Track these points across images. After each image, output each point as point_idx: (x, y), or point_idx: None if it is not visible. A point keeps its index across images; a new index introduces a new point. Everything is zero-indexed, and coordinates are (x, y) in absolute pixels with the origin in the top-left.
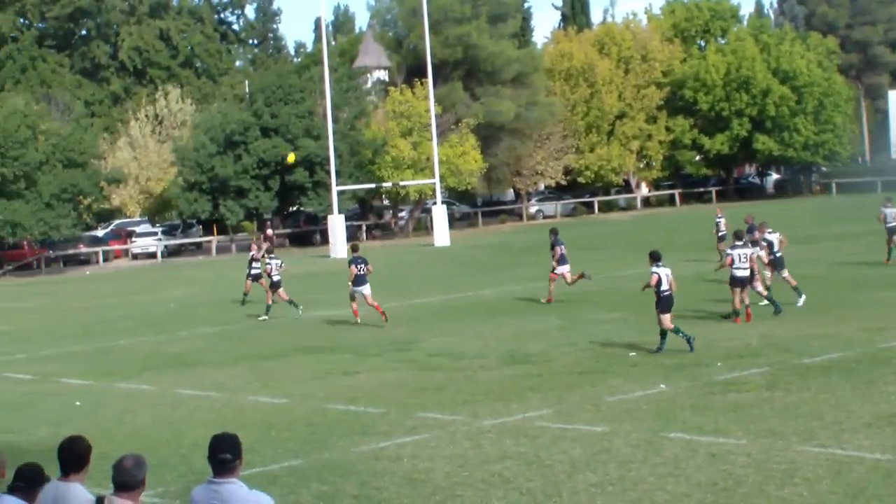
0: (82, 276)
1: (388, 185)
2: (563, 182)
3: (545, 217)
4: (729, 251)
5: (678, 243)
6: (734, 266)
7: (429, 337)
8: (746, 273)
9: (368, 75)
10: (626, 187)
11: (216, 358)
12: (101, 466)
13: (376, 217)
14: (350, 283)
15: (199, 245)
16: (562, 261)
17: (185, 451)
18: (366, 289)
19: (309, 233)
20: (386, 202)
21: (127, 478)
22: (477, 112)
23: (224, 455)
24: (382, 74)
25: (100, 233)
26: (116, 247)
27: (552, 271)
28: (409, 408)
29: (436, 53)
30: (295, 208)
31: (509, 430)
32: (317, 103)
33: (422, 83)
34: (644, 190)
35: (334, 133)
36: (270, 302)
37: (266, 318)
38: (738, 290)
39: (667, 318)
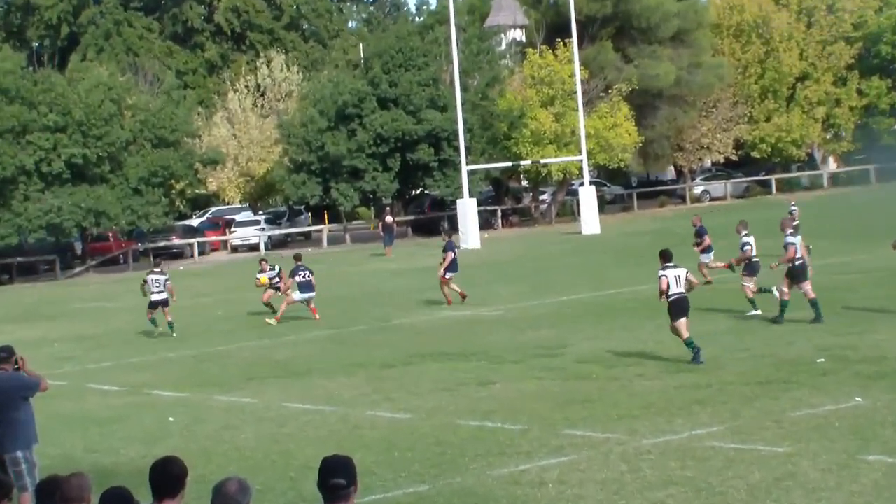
0: (175, 272)
1: (526, 163)
2: (734, 157)
3: (712, 199)
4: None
5: (877, 229)
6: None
7: (577, 340)
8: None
9: (502, 36)
10: (810, 162)
11: (328, 366)
12: (199, 491)
13: (513, 201)
14: (292, 293)
15: (307, 235)
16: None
17: (294, 473)
18: (311, 295)
19: (435, 220)
20: (524, 183)
21: (230, 503)
22: (630, 77)
23: (337, 480)
24: (519, 34)
25: (194, 222)
26: (213, 238)
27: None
28: (555, 424)
29: (581, 9)
30: (418, 191)
31: (673, 451)
32: (442, 69)
33: (565, 44)
34: (832, 165)
35: (463, 103)
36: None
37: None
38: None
39: (682, 325)
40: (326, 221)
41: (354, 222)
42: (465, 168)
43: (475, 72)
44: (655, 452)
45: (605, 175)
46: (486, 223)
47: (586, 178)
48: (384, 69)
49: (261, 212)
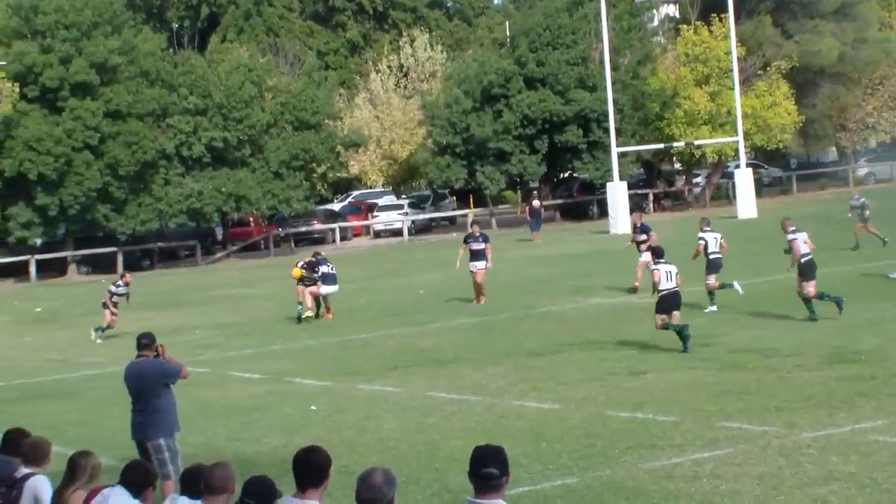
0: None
1: (679, 144)
2: None
3: (877, 181)
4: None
5: None
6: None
7: (732, 329)
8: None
9: (654, 11)
10: None
11: (475, 355)
12: (342, 482)
13: (665, 184)
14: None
15: (452, 220)
16: None
17: (440, 464)
18: (335, 289)
19: (584, 204)
20: (677, 166)
21: (375, 495)
22: (790, 53)
23: (489, 470)
24: (672, 10)
25: (336, 206)
26: (355, 223)
27: None
28: (709, 416)
29: None
30: (567, 174)
31: (835, 446)
32: (592, 47)
33: (721, 19)
34: None
35: (614, 83)
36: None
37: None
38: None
39: (675, 318)
40: (472, 206)
41: (500, 206)
42: (615, 150)
43: (626, 49)
44: (816, 447)
45: (763, 157)
46: (636, 207)
47: (742, 159)
48: (531, 48)
49: (404, 196)
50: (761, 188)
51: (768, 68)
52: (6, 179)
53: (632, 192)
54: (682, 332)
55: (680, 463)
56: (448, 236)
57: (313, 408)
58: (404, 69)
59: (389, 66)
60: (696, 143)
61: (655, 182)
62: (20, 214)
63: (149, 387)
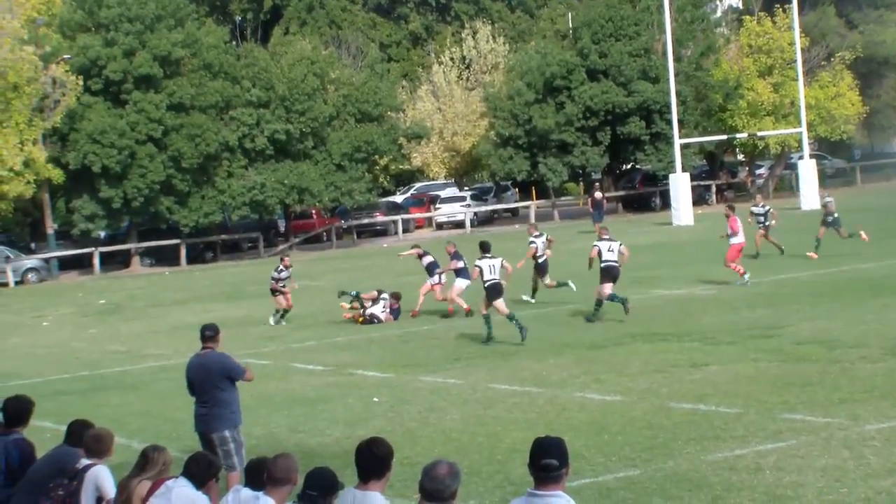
0: (379, 250)
1: (742, 136)
2: None
3: None
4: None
5: None
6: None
7: (796, 321)
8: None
9: (717, 2)
10: None
11: (537, 346)
12: (404, 473)
13: (728, 175)
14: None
15: (514, 211)
16: None
17: (501, 456)
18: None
19: (646, 195)
20: (740, 157)
21: (439, 486)
22: (854, 43)
23: (549, 461)
24: (735, 1)
25: (398, 198)
26: (418, 215)
27: None
28: (772, 408)
29: None
30: (629, 166)
31: None
32: (654, 38)
33: (784, 10)
34: None
35: (676, 74)
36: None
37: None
38: None
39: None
40: (534, 197)
41: (563, 198)
42: (677, 141)
43: (689, 41)
44: (880, 439)
45: (826, 148)
46: (699, 199)
47: (806, 150)
48: (593, 39)
49: (466, 188)
50: (825, 179)
51: (832, 59)
52: (70, 172)
53: (694, 183)
54: (511, 320)
55: (743, 455)
56: (510, 228)
57: (375, 399)
58: (466, 61)
59: (452, 58)
60: (760, 134)
61: (718, 173)
62: (84, 207)
63: (212, 379)
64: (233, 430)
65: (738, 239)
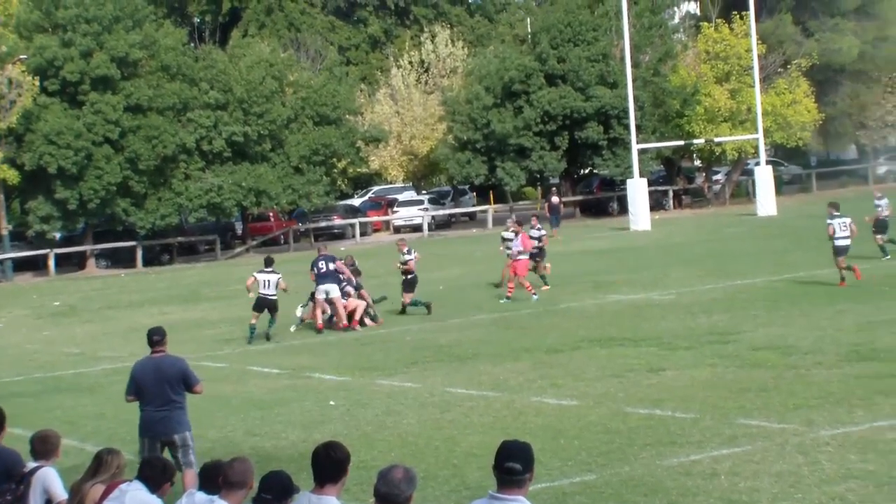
0: (336, 253)
1: (699, 142)
2: None
3: None
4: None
5: None
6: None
7: (752, 327)
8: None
9: (675, 9)
10: None
11: (494, 350)
12: (359, 477)
13: (685, 181)
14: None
15: (471, 216)
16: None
17: (457, 461)
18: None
19: (604, 200)
20: (697, 163)
21: (393, 491)
22: (810, 51)
23: (513, 465)
24: (692, 7)
25: (356, 201)
26: (375, 218)
27: None
28: (728, 413)
29: None
30: (587, 171)
31: (853, 443)
32: (613, 44)
33: (742, 17)
34: None
35: (634, 80)
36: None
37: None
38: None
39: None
40: (492, 202)
41: (520, 203)
42: (635, 147)
43: (647, 47)
44: (834, 444)
45: (783, 154)
46: (657, 204)
47: (762, 157)
48: (552, 44)
49: (424, 191)
50: (781, 186)
51: (788, 66)
52: (26, 173)
53: (652, 188)
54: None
55: (699, 460)
56: (468, 232)
57: (332, 403)
58: (425, 65)
59: (410, 62)
60: (717, 140)
61: (676, 179)
62: (40, 208)
63: (169, 383)
64: (190, 431)
65: (525, 255)
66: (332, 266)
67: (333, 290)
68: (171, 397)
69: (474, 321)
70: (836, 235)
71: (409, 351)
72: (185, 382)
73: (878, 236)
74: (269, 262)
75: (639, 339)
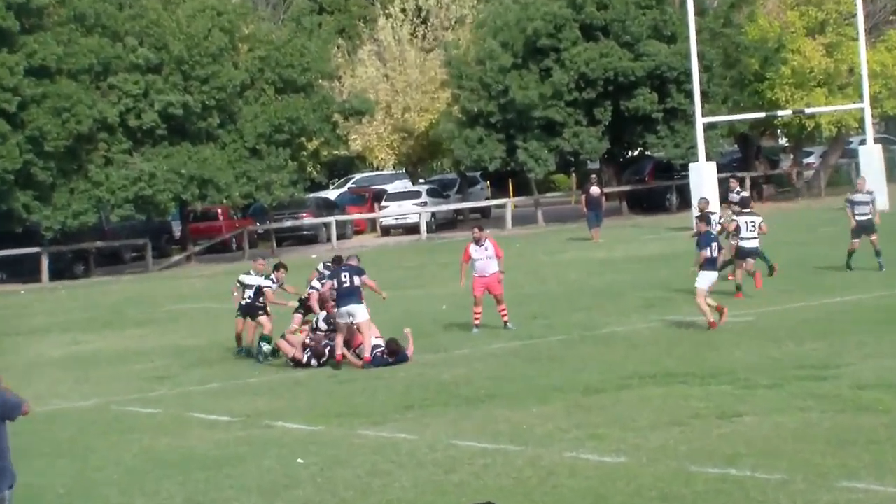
0: (306, 261)
1: (785, 113)
2: None
3: None
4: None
5: None
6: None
7: (857, 358)
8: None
9: None
10: None
11: (514, 390)
12: None
13: (767, 165)
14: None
15: (485, 212)
16: None
17: None
18: (358, 310)
19: (659, 191)
20: (783, 142)
21: None
22: None
23: None
24: None
25: (332, 194)
26: (357, 216)
27: None
28: (826, 473)
29: None
30: (637, 153)
31: None
32: None
33: None
34: None
35: (699, 32)
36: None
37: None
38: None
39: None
40: (511, 194)
41: (549, 195)
42: (700, 120)
43: None
44: None
45: None
46: (729, 195)
47: (869, 133)
48: None
49: (421, 181)
50: (894, 170)
51: None
52: None
53: (722, 175)
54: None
55: None
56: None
57: (300, 461)
58: (423, 13)
59: (403, 10)
60: (808, 111)
61: (754, 163)
62: None
63: None
64: (9, 490)
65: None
66: (357, 280)
67: (360, 312)
68: None
69: (488, 351)
70: None
71: (402, 391)
72: (7, 412)
73: None
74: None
75: (706, 375)
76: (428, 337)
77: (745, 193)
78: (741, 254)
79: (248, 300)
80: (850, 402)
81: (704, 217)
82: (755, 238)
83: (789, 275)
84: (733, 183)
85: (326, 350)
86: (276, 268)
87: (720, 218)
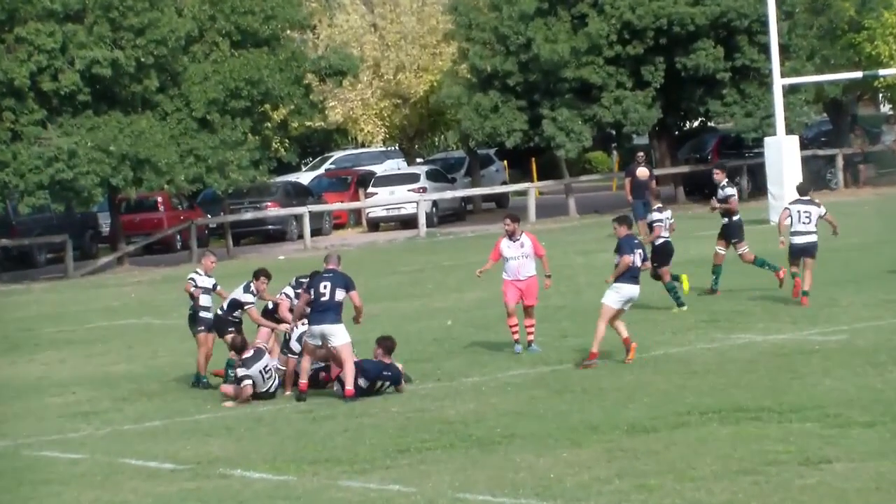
0: (273, 264)
1: (889, 72)
2: None
3: None
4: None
5: None
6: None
7: None
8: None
9: None
10: None
11: (538, 429)
12: None
13: (865, 140)
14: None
15: (500, 199)
16: None
17: None
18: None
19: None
20: (886, 109)
21: None
22: None
23: None
24: None
25: (305, 177)
26: (338, 205)
27: None
28: None
29: None
30: (696, 124)
31: None
32: None
33: None
34: None
35: None
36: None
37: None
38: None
39: None
40: (535, 177)
41: (583, 178)
42: (778, 82)
43: None
44: None
45: None
46: (816, 178)
47: None
48: None
49: (420, 160)
50: None
51: None
52: None
53: (807, 152)
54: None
55: None
56: (494, 228)
57: None
58: None
59: None
60: None
61: (848, 137)
62: None
63: None
64: None
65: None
66: (339, 295)
67: (338, 334)
68: None
69: (505, 380)
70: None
71: (394, 430)
72: None
73: None
74: None
75: (786, 410)
76: (428, 361)
77: (731, 191)
78: (794, 252)
79: (221, 312)
80: None
81: (624, 218)
82: (811, 232)
83: (893, 281)
84: (718, 175)
85: (321, 375)
86: (256, 275)
87: (670, 217)
